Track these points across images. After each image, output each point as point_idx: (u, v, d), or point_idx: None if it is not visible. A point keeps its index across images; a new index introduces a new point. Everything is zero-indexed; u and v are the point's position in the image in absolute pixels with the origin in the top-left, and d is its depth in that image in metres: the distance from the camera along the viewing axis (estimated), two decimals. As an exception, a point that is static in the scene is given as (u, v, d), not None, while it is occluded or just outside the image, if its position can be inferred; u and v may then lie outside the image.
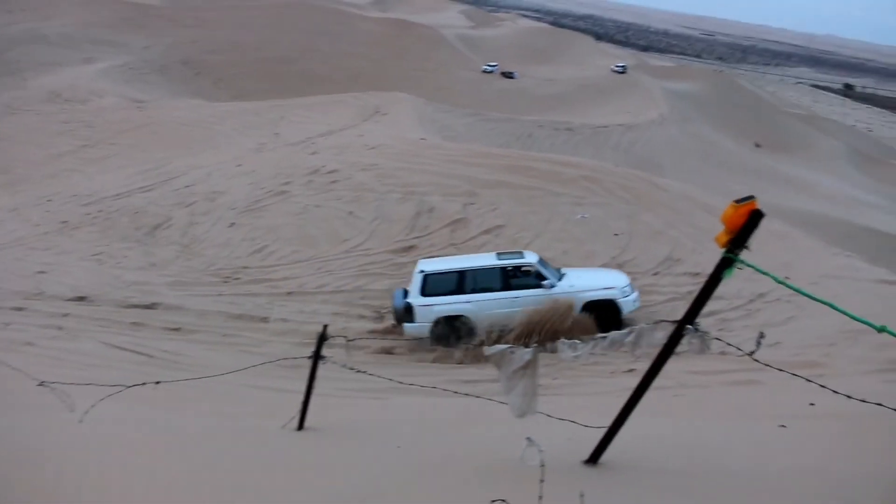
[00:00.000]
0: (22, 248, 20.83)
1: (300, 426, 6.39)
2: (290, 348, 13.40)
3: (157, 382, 6.35)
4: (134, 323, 14.63)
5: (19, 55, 62.31)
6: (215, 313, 15.57)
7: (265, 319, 15.60)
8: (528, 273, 14.92)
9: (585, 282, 15.00)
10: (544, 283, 14.67)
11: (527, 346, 4.43)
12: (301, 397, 6.31)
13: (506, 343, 7.99)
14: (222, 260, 19.38)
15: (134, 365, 11.53)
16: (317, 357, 6.06)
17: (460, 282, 14.77)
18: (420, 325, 14.55)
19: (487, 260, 15.45)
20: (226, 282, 17.75)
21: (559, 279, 15.05)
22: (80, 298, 16.07)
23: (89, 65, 62.29)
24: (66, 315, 14.93)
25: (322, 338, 6.07)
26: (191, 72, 72.13)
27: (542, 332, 12.90)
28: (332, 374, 6.94)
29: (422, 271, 14.76)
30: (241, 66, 75.93)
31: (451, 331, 14.45)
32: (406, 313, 14.56)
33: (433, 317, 14.51)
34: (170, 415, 7.50)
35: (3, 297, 15.86)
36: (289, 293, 17.06)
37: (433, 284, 14.65)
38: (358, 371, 6.42)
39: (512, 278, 14.87)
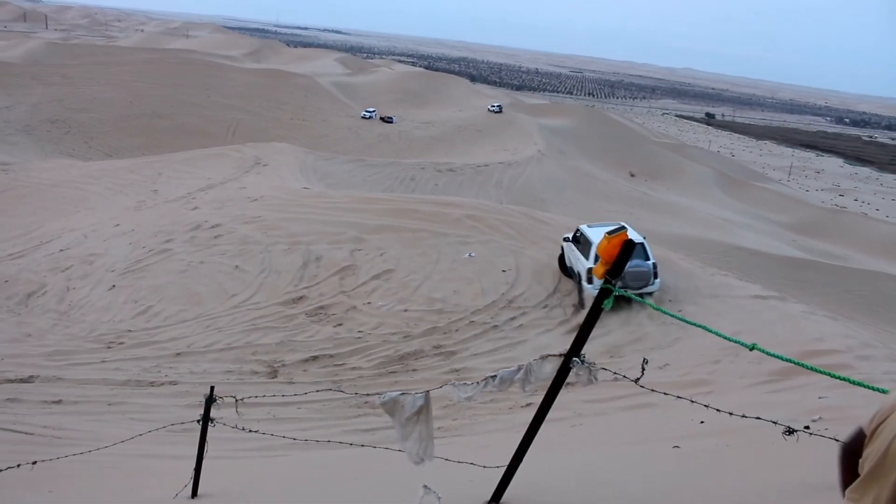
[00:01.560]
0: None
1: (194, 493, 6.17)
2: (181, 411, 12.92)
3: (34, 462, 6.01)
4: (9, 399, 13.75)
5: None
6: (99, 381, 14.85)
7: (153, 384, 15.02)
8: None
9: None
10: None
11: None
12: (194, 463, 6.10)
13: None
14: (104, 325, 18.58)
15: (10, 445, 10.81)
16: (206, 420, 5.88)
17: None
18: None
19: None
20: (109, 347, 17.00)
21: None
22: (-52, 377, 15.07)
23: (-54, 129, 59.25)
24: (-68, 397, 13.95)
25: (210, 400, 5.90)
26: (59, 131, 69.57)
27: None
28: (225, 435, 6.74)
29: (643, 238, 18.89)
30: (113, 123, 73.80)
31: None
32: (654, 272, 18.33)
33: None
34: (51, 495, 7.09)
35: None
36: (177, 354, 16.49)
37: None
38: (251, 431, 6.26)
39: None
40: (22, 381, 14.82)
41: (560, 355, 3.99)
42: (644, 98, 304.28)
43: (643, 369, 3.89)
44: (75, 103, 75.89)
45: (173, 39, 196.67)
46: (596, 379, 3.92)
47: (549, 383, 4.04)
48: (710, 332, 3.59)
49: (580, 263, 18.70)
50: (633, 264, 17.68)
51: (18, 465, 5.86)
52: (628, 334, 16.34)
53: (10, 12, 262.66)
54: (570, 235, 20.16)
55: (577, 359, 3.90)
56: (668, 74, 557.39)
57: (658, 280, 18.32)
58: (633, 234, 17.79)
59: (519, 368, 4.14)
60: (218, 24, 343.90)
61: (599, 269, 3.77)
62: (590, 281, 17.87)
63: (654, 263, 18.29)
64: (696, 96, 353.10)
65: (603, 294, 3.73)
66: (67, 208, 32.79)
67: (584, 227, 19.32)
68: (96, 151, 66.50)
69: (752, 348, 3.33)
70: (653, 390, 4.41)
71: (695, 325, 3.71)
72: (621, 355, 15.11)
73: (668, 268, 20.43)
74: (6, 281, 22.21)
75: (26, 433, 11.55)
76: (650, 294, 18.16)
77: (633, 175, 77.95)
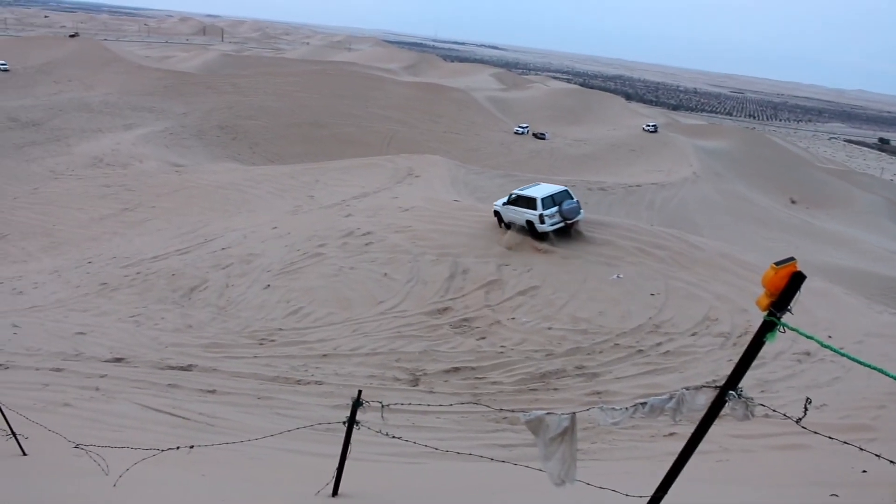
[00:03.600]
0: (62, 309, 21.10)
1: (335, 492, 6.29)
2: (325, 411, 13.31)
3: (191, 447, 6.32)
4: (170, 385, 14.63)
5: (64, 122, 64.24)
6: (250, 375, 15.54)
7: (300, 382, 15.55)
8: None
9: None
10: None
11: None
12: (335, 462, 6.22)
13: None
14: (258, 322, 19.44)
15: (169, 427, 11.49)
16: (351, 423, 5.98)
17: None
18: None
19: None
20: (261, 344, 17.76)
21: None
22: (118, 360, 16.17)
23: (130, 131, 63.96)
24: (103, 376, 14.98)
25: (357, 403, 6.00)
26: (227, 136, 73.67)
27: None
28: (366, 438, 6.85)
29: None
30: (276, 130, 77.43)
31: None
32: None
33: None
34: (204, 479, 7.43)
35: (42, 359, 16.00)
36: (324, 355, 17.02)
37: None
38: (393, 437, 6.33)
39: None
40: (182, 368, 15.72)
41: (715, 387, 3.79)
42: (810, 121, 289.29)
43: (806, 409, 3.64)
44: (243, 111, 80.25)
45: (336, 52, 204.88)
46: (753, 415, 3.69)
47: (700, 415, 3.84)
48: (887, 375, 3.30)
49: (524, 215, 24.04)
50: (568, 203, 23.96)
51: (178, 448, 6.18)
52: (782, 369, 15.45)
53: (193, 26, 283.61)
54: (505, 200, 24.97)
55: (733, 392, 3.69)
56: (836, 96, 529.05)
57: (582, 211, 24.85)
58: (554, 185, 25.68)
59: (670, 397, 3.96)
60: (378, 38, 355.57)
61: (763, 300, 3.54)
62: (542, 221, 23.50)
63: (577, 200, 24.58)
64: (868, 120, 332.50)
65: (766, 327, 3.51)
66: (231, 209, 34.63)
67: (518, 191, 24.73)
68: (260, 157, 70.00)
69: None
70: (815, 432, 4.12)
71: (868, 366, 3.42)
72: (774, 391, 14.30)
73: (829, 302, 19.26)
74: (173, 274, 23.65)
75: (184, 418, 12.22)
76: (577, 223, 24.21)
77: (793, 201, 74.15)
